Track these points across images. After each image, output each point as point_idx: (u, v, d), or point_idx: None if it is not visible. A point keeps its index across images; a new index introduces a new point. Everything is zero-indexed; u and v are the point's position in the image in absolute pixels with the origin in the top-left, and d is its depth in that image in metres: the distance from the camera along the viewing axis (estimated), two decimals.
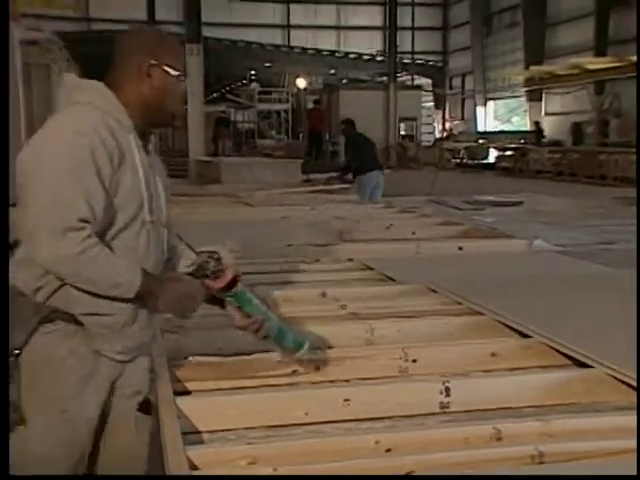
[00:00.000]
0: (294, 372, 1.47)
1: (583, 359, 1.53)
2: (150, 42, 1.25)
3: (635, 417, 1.25)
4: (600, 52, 15.67)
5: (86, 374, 1.17)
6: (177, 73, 1.24)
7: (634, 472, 1.05)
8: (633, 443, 1.14)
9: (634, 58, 12.91)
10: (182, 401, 1.26)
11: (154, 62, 1.22)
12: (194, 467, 1.05)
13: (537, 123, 16.86)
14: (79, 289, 1.15)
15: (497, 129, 20.32)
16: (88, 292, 1.15)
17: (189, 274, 1.25)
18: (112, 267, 1.14)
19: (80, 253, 1.10)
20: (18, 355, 1.13)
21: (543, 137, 15.99)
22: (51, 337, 1.15)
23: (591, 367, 1.50)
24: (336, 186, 5.95)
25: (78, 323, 1.17)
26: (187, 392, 1.29)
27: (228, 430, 1.24)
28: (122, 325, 1.19)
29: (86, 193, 1.11)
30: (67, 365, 1.15)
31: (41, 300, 1.15)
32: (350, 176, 6.32)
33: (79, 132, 1.13)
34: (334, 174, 6.48)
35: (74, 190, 1.11)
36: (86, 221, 1.11)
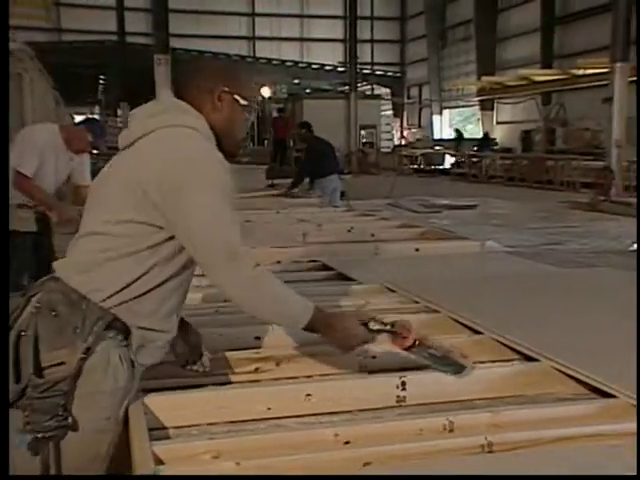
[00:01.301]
0: (257, 369, 1.50)
1: (530, 353, 1.62)
2: (223, 70, 1.28)
3: (575, 406, 1.34)
4: (546, 65, 16.52)
5: (130, 384, 1.18)
6: (246, 103, 1.26)
7: (579, 459, 1.10)
8: (574, 431, 1.22)
9: (577, 71, 13.63)
10: (148, 398, 1.26)
11: (226, 89, 1.24)
12: (160, 462, 1.07)
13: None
14: (143, 304, 1.16)
15: (452, 136, 20.93)
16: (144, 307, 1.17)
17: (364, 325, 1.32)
18: (285, 295, 1.20)
19: (255, 277, 1.14)
20: (84, 359, 1.11)
21: (487, 145, 16.60)
22: (110, 343, 1.14)
23: (537, 360, 1.58)
24: (296, 197, 5.93)
25: (127, 334, 1.17)
26: (153, 389, 1.29)
27: (192, 426, 1.25)
28: (166, 343, 1.22)
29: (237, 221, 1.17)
30: (120, 372, 1.15)
31: (108, 307, 1.14)
32: (307, 183, 6.23)
33: (221, 161, 1.17)
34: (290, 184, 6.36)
35: (234, 217, 1.16)
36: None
